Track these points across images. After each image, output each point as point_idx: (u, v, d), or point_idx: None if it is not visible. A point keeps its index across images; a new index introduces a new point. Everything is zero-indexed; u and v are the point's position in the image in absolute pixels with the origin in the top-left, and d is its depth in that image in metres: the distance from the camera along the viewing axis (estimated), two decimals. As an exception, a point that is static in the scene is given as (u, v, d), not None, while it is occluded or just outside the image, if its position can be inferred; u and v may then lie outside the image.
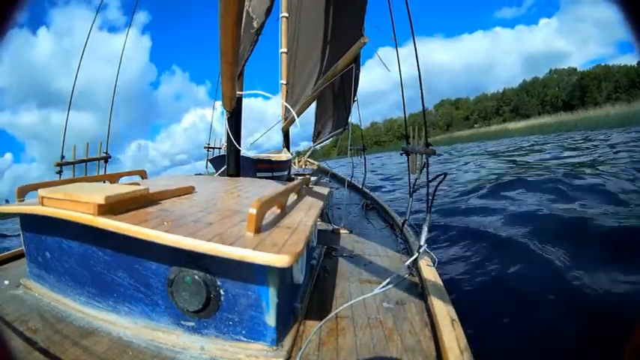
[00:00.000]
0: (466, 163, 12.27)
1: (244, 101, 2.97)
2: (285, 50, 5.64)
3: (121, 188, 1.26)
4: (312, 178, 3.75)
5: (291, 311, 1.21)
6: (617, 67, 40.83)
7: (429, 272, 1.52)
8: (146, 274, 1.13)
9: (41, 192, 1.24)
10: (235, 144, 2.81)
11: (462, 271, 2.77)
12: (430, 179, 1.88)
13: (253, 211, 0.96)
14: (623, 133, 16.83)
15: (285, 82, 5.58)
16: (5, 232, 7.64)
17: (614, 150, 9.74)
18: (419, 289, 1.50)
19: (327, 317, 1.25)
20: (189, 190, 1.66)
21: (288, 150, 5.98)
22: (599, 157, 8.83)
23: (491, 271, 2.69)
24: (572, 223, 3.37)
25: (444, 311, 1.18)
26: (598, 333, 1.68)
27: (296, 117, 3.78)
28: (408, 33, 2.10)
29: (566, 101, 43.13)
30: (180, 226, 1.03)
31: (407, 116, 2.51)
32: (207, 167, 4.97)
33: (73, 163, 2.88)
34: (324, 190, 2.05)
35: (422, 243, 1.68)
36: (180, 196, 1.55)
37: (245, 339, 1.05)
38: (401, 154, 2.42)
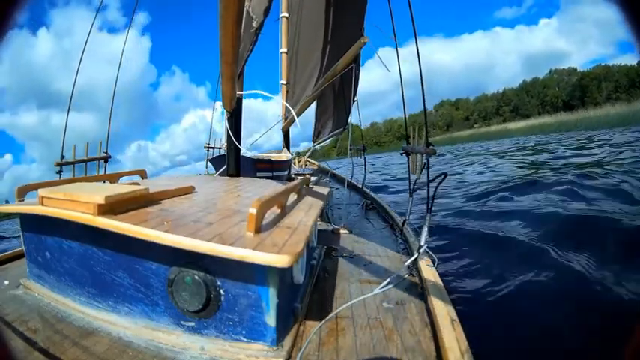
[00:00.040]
0: (472, 163, 12.22)
1: (244, 102, 2.98)
2: (285, 50, 5.64)
3: (121, 188, 1.26)
4: (312, 178, 3.75)
5: (291, 311, 1.21)
6: (617, 67, 40.87)
7: (429, 272, 1.52)
8: (146, 274, 1.13)
9: (41, 192, 1.24)
10: (235, 144, 2.81)
11: (462, 271, 2.76)
12: (431, 179, 1.88)
13: (253, 211, 0.96)
14: (625, 132, 16.83)
15: (285, 82, 5.59)
16: (3, 233, 7.62)
17: (620, 150, 9.71)
18: (419, 289, 1.50)
19: (327, 317, 1.25)
20: (189, 190, 1.66)
21: (288, 150, 5.98)
22: (604, 157, 8.78)
23: (492, 271, 2.69)
24: (575, 223, 3.36)
25: (444, 311, 1.18)
26: (598, 333, 1.67)
27: (296, 117, 3.78)
28: (408, 33, 2.10)
29: (566, 101, 43.16)
30: (180, 226, 1.03)
31: (407, 116, 2.51)
32: (207, 167, 4.97)
33: (73, 163, 2.88)
34: (324, 190, 2.05)
35: (422, 243, 1.68)
36: (180, 196, 1.55)
37: (245, 339, 1.05)
38: (401, 154, 2.42)
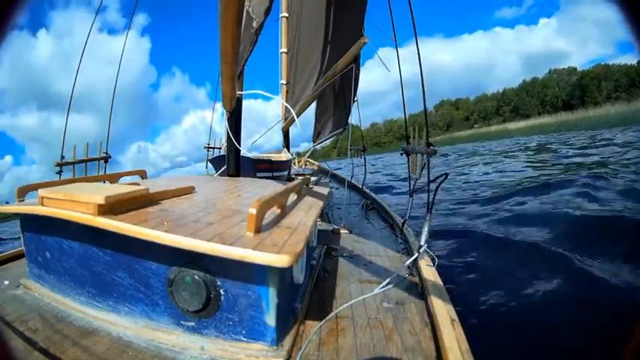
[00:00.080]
0: (476, 164, 12.20)
1: (244, 102, 2.98)
2: (285, 50, 5.64)
3: (121, 188, 1.26)
4: (312, 178, 3.75)
5: (291, 311, 1.21)
6: (617, 67, 40.86)
7: (429, 272, 1.52)
8: (146, 274, 1.13)
9: (41, 192, 1.24)
10: (235, 144, 2.81)
11: (462, 271, 2.76)
12: (431, 179, 1.88)
13: (253, 211, 0.96)
14: (626, 132, 16.81)
15: (285, 82, 5.59)
16: (0, 235, 7.60)
17: (626, 149, 9.70)
18: (419, 289, 1.49)
19: (327, 317, 1.25)
20: (189, 190, 1.66)
21: (288, 150, 5.98)
22: (609, 156, 8.76)
23: (492, 271, 2.69)
24: (575, 223, 3.37)
25: (443, 311, 1.18)
26: (598, 333, 1.67)
27: (296, 117, 3.78)
28: (408, 33, 2.10)
29: (566, 101, 43.15)
30: (180, 226, 1.03)
31: (407, 116, 2.50)
32: (207, 167, 4.97)
33: (73, 163, 2.88)
34: (324, 190, 2.05)
35: (422, 243, 1.68)
36: (180, 196, 1.55)
37: (245, 339, 1.05)
38: (401, 154, 2.42)
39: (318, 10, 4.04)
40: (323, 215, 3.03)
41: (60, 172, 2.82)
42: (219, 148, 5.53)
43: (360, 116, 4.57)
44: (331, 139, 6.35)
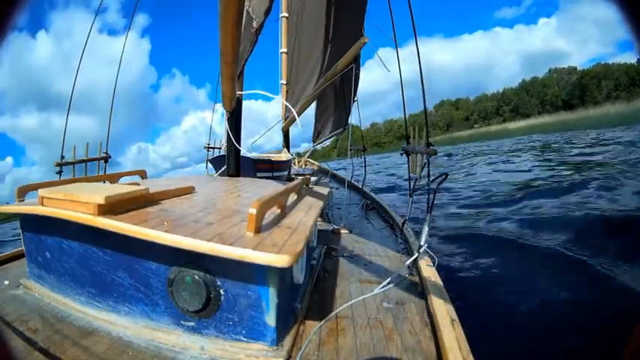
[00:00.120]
0: (475, 164, 12.15)
1: (244, 103, 2.98)
2: (285, 50, 5.64)
3: (121, 188, 1.26)
4: (312, 178, 3.75)
5: (291, 311, 1.21)
6: (616, 66, 40.87)
7: (429, 272, 1.52)
8: (146, 274, 1.13)
9: (41, 192, 1.24)
10: (235, 144, 2.81)
11: (462, 271, 2.76)
12: (431, 179, 1.88)
13: (253, 211, 0.96)
14: (628, 131, 16.78)
15: (285, 82, 5.58)
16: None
17: (630, 149, 9.69)
18: (419, 289, 1.49)
19: (327, 317, 1.25)
20: (189, 190, 1.66)
21: (288, 150, 5.98)
22: (616, 156, 8.75)
23: (492, 271, 2.69)
24: (576, 223, 3.36)
25: (443, 311, 1.18)
26: (598, 333, 1.67)
27: (296, 117, 3.78)
28: (408, 33, 2.10)
29: (566, 100, 43.17)
30: (180, 226, 1.03)
31: (407, 116, 2.50)
32: (207, 167, 4.97)
33: (73, 163, 2.88)
34: (324, 190, 2.05)
35: (422, 243, 1.68)
36: (180, 196, 1.55)
37: (245, 339, 1.05)
38: (401, 154, 2.42)
39: (318, 10, 4.04)
40: (323, 215, 3.03)
41: (60, 172, 2.82)
42: (220, 148, 5.53)
43: (360, 116, 4.59)
44: (331, 139, 6.35)
